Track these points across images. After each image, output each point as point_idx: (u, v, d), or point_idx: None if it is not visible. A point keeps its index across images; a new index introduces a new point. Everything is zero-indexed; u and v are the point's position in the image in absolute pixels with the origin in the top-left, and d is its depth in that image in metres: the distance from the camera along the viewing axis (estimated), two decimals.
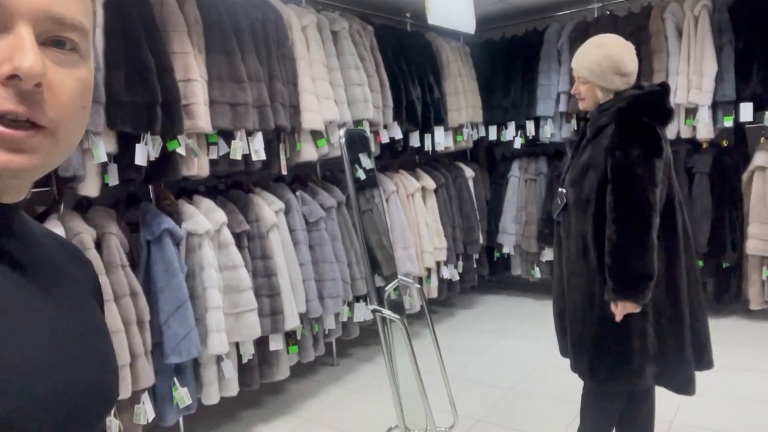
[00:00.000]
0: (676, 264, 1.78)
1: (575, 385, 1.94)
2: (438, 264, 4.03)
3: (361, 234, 1.95)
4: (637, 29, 3.89)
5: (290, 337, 2.84)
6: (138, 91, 2.06)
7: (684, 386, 1.81)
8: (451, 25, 3.64)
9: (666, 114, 1.80)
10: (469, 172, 4.46)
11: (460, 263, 4.30)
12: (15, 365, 0.43)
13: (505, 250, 4.63)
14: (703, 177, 3.69)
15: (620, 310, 1.72)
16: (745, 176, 3.59)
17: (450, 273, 4.16)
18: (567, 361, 2.01)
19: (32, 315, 0.48)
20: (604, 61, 1.78)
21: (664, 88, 1.81)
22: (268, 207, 2.77)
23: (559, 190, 1.96)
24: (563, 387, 2.99)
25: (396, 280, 2.36)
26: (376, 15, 3.93)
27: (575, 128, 4.17)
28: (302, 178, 3.31)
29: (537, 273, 4.56)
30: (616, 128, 1.73)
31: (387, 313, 1.95)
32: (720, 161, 3.70)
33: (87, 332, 0.55)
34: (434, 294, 4.08)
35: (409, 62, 3.71)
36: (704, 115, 3.57)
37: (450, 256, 4.10)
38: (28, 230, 0.56)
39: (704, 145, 3.77)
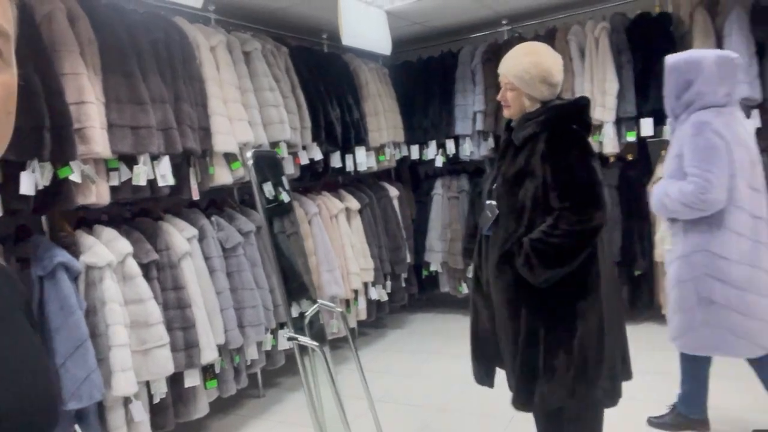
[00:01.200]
0: (599, 274, 1.76)
1: (507, 400, 1.89)
2: (365, 285, 3.98)
3: (274, 259, 1.86)
4: None
5: (208, 371, 2.68)
6: (22, 115, 1.89)
7: (613, 399, 1.79)
8: (366, 47, 3.67)
9: (590, 125, 1.84)
10: (393, 192, 4.47)
11: (389, 283, 4.27)
12: None
13: (433, 268, 4.66)
14: (611, 190, 3.88)
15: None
16: (649, 187, 3.80)
17: (378, 293, 4.12)
18: (498, 375, 1.95)
19: None
20: (533, 69, 1.76)
21: (587, 101, 1.84)
22: (179, 234, 2.62)
23: (487, 202, 1.89)
24: (495, 403, 2.99)
25: (317, 306, 2.29)
26: (291, 36, 3.89)
27: (493, 146, 4.28)
28: (218, 202, 3.18)
29: (464, 289, 4.60)
30: (550, 135, 1.72)
31: (304, 340, 1.87)
32: (626, 174, 3.91)
33: (19, 352, 0.53)
34: (363, 316, 4.02)
35: (327, 83, 3.69)
36: (609, 131, 3.77)
37: (377, 276, 4.06)
38: None
39: (611, 160, 3.98)
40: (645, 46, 3.73)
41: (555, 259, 1.67)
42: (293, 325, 1.94)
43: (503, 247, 1.78)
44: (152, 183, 2.46)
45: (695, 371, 2.41)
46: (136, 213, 2.73)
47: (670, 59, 2.25)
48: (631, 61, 3.77)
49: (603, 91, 3.77)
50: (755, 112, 3.45)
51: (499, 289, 1.81)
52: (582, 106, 1.81)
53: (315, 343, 1.88)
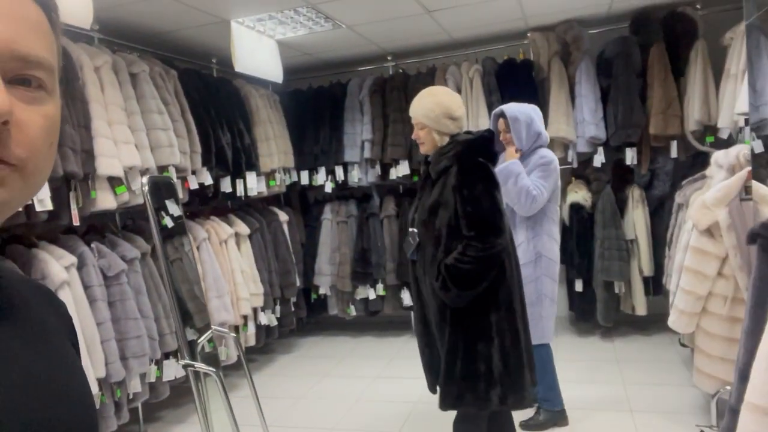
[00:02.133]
0: (512, 288, 2.01)
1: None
2: (255, 310, 3.96)
3: (169, 285, 1.85)
4: (425, 86, 4.40)
5: None
6: None
7: (528, 404, 2.05)
8: (259, 74, 3.73)
9: (494, 155, 2.09)
10: (283, 216, 4.51)
11: (278, 307, 4.27)
12: None
13: (322, 291, 4.74)
14: None
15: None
16: None
17: (268, 318, 4.11)
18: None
19: (8, 358, 0.48)
20: (436, 107, 2.00)
21: (491, 134, 2.10)
22: (56, 262, 2.47)
23: (410, 230, 2.10)
24: (383, 419, 3.13)
25: (210, 331, 2.28)
26: (179, 59, 3.84)
27: (380, 173, 4.51)
28: (99, 227, 3.02)
29: (352, 311, 4.73)
30: (459, 169, 1.95)
31: (201, 366, 1.87)
32: None
33: (63, 374, 0.55)
34: (252, 341, 3.98)
35: (217, 108, 3.68)
36: None
37: (267, 301, 4.05)
38: (3, 273, 0.55)
39: None
40: (511, 88, 4.18)
41: (466, 282, 1.90)
42: (188, 351, 1.93)
43: (433, 274, 1.98)
44: (28, 208, 2.30)
45: (545, 364, 2.77)
46: (7, 239, 2.52)
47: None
48: (499, 100, 4.20)
49: (476, 126, 4.16)
50: (600, 149, 4.02)
51: (433, 309, 2.03)
52: (487, 139, 2.08)
53: (212, 369, 1.88)
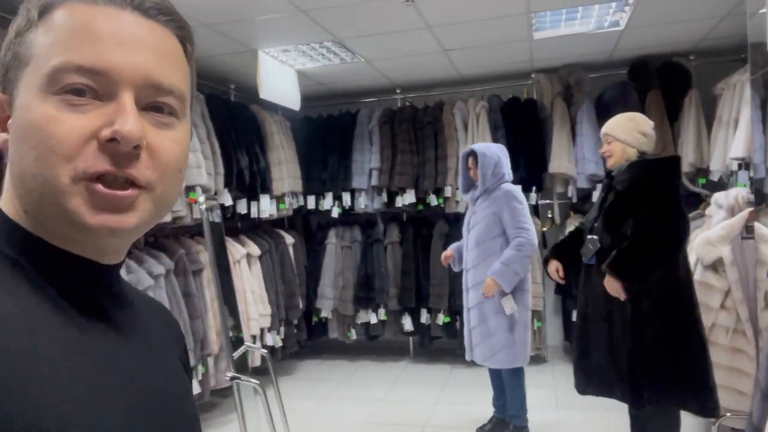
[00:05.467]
0: (693, 294, 2.26)
1: None
2: (262, 331, 4.01)
3: (220, 299, 1.94)
4: (433, 119, 4.61)
5: None
6: None
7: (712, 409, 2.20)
8: (280, 101, 3.88)
9: (680, 176, 2.36)
10: (289, 239, 4.60)
11: (282, 329, 4.33)
12: (99, 423, 0.44)
13: (324, 314, 4.81)
14: None
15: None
16: None
17: (273, 339, 4.16)
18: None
19: (125, 375, 0.49)
20: (631, 123, 2.33)
21: (679, 157, 2.40)
22: None
23: (590, 237, 2.37)
24: None
25: (244, 346, 2.36)
26: (202, 83, 3.96)
27: (386, 200, 4.65)
28: None
29: (353, 335, 4.81)
30: (649, 182, 2.20)
31: (247, 379, 1.95)
32: None
33: (174, 394, 0.56)
34: (258, 362, 4.02)
35: (237, 132, 3.80)
36: None
37: (273, 322, 4.11)
38: (124, 291, 0.57)
39: None
40: (515, 125, 4.41)
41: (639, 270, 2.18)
42: (233, 364, 2.01)
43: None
44: None
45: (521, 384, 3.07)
46: None
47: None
48: (504, 136, 4.42)
49: None
50: (599, 186, 4.23)
51: (617, 318, 2.24)
52: (676, 158, 2.35)
53: (256, 381, 1.97)
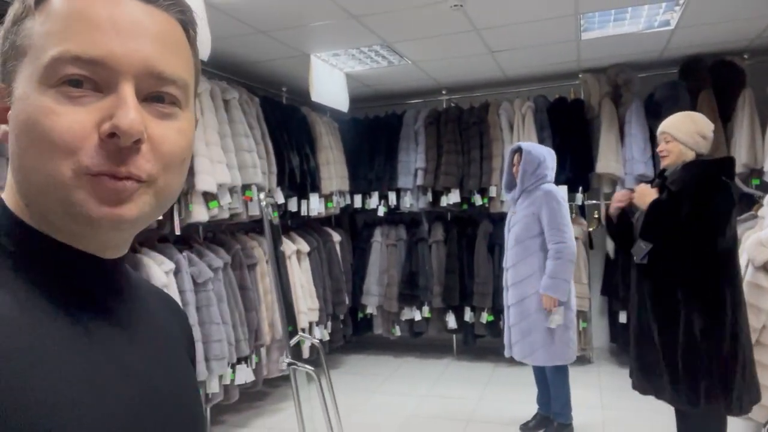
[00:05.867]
0: (741, 292, 2.25)
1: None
2: (310, 324, 4.16)
3: (277, 289, 2.08)
4: (479, 120, 4.66)
5: None
6: None
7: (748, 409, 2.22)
8: (330, 103, 4.02)
9: (733, 177, 2.32)
10: (336, 237, 4.75)
11: (329, 323, 4.47)
12: (100, 421, 0.44)
13: (369, 311, 4.93)
14: None
15: None
16: None
17: (321, 333, 4.31)
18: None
19: (126, 372, 0.49)
20: (692, 124, 2.29)
21: (732, 159, 2.35)
22: (158, 267, 2.72)
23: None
24: None
25: (297, 336, 2.49)
26: (257, 87, 4.15)
27: (430, 200, 4.74)
28: (184, 239, 3.28)
29: (397, 331, 4.91)
30: (704, 183, 2.19)
31: (303, 366, 2.08)
32: None
33: (178, 390, 0.55)
34: (306, 354, 4.17)
35: (289, 133, 3.97)
36: None
37: (321, 316, 4.26)
38: (130, 284, 0.56)
39: None
40: (562, 126, 4.41)
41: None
42: (290, 351, 2.14)
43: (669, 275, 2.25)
44: None
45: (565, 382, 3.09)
46: None
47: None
48: (550, 136, 4.43)
49: None
50: None
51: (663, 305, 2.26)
52: (730, 160, 2.32)
53: (311, 368, 2.09)
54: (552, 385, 3.10)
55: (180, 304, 2.48)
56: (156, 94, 0.48)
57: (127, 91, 0.46)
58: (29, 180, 0.47)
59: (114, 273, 0.53)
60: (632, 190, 2.46)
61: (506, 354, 3.17)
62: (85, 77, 0.45)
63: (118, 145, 0.45)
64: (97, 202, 0.45)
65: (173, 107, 0.49)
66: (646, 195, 2.33)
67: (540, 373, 3.19)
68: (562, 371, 3.07)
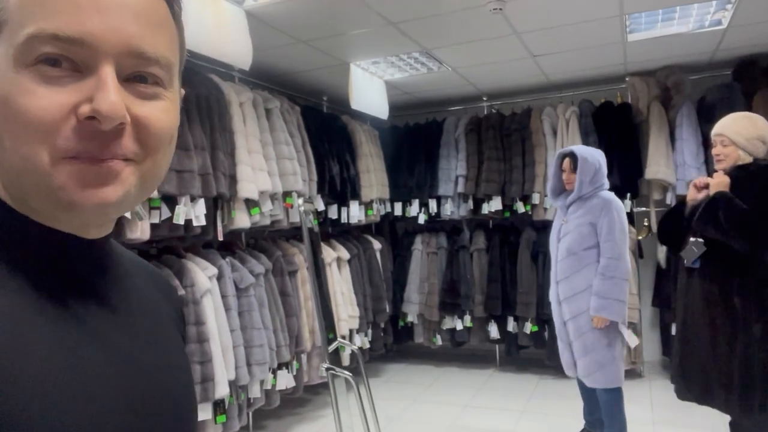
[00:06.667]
0: None
1: None
2: (351, 332, 4.17)
3: (316, 295, 2.08)
4: (521, 126, 4.58)
5: (218, 406, 2.78)
6: None
7: None
8: (369, 111, 4.04)
9: None
10: (377, 245, 4.75)
11: (370, 331, 4.46)
12: (81, 402, 0.42)
13: (410, 319, 4.90)
14: None
15: None
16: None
17: (361, 341, 4.30)
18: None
19: (114, 353, 0.48)
20: (753, 129, 2.20)
21: None
22: (202, 272, 2.78)
23: (692, 239, 2.25)
24: None
25: (336, 342, 2.49)
26: (297, 95, 4.22)
27: (471, 207, 4.68)
28: (227, 245, 3.35)
29: (438, 340, 4.85)
30: (758, 187, 2.11)
31: (340, 371, 2.07)
32: None
33: (168, 369, 0.54)
34: (346, 362, 4.17)
35: (329, 141, 4.01)
36: None
37: (362, 324, 4.26)
38: (117, 263, 0.54)
39: None
40: (608, 130, 4.28)
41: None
42: (328, 356, 2.13)
43: (722, 278, 2.16)
44: (187, 223, 2.64)
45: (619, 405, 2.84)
46: (162, 250, 2.87)
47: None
48: (596, 141, 4.30)
49: None
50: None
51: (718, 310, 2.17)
52: None
53: (349, 374, 2.08)
54: (605, 407, 2.83)
55: (176, 284, 2.48)
56: (138, 74, 0.46)
57: (108, 72, 0.43)
58: (5, 163, 0.45)
59: (99, 253, 0.51)
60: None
61: (569, 374, 2.94)
62: (63, 56, 0.43)
63: (97, 128, 0.43)
64: (79, 185, 0.44)
65: (156, 87, 0.47)
66: (722, 186, 2.21)
67: (586, 387, 3.05)
68: (617, 394, 2.82)
